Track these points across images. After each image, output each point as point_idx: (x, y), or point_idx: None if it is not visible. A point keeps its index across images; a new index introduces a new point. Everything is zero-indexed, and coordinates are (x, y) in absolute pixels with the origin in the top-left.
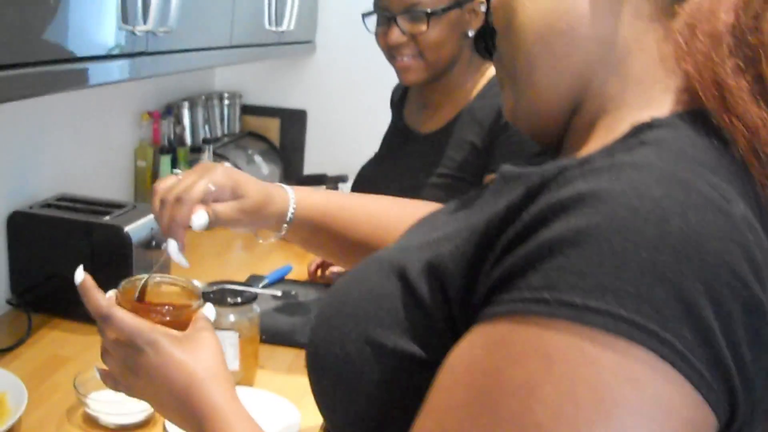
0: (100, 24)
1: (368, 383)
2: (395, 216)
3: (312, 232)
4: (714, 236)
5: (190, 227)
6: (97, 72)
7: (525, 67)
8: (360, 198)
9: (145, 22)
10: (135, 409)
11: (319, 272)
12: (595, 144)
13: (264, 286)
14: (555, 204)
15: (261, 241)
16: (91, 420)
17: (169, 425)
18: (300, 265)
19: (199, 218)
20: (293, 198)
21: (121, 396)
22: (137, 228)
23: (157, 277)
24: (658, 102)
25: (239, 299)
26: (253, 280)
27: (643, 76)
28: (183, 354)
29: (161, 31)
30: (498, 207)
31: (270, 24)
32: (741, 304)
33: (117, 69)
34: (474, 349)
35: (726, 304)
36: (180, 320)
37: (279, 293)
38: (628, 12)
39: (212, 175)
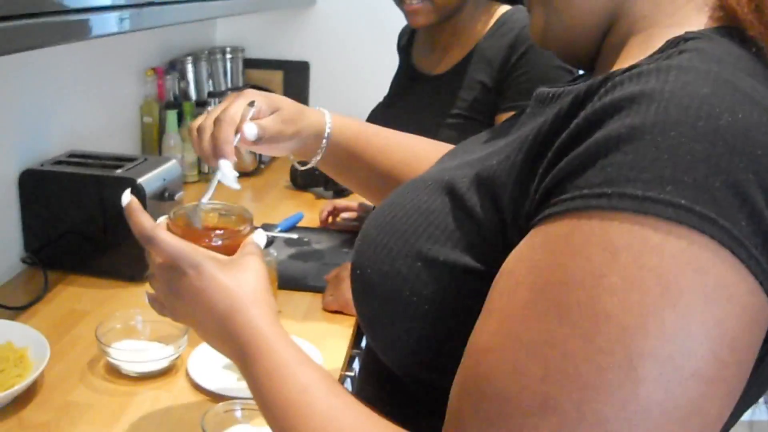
0: None
1: (421, 299)
2: (426, 148)
3: (347, 155)
4: (762, 130)
5: (236, 147)
6: (99, 23)
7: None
8: (391, 130)
9: None
10: (157, 356)
11: (330, 219)
12: (629, 61)
13: (278, 232)
14: (607, 105)
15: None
16: (113, 370)
17: (192, 370)
18: (311, 213)
19: (251, 129)
20: (329, 117)
21: (143, 344)
22: (150, 180)
23: (209, 205)
24: (691, 19)
25: None
26: (265, 228)
27: (686, 12)
28: (226, 278)
29: None
30: (547, 117)
31: None
32: None
33: (119, 20)
34: (535, 250)
35: None
36: (230, 245)
37: (294, 236)
38: None
39: (246, 96)
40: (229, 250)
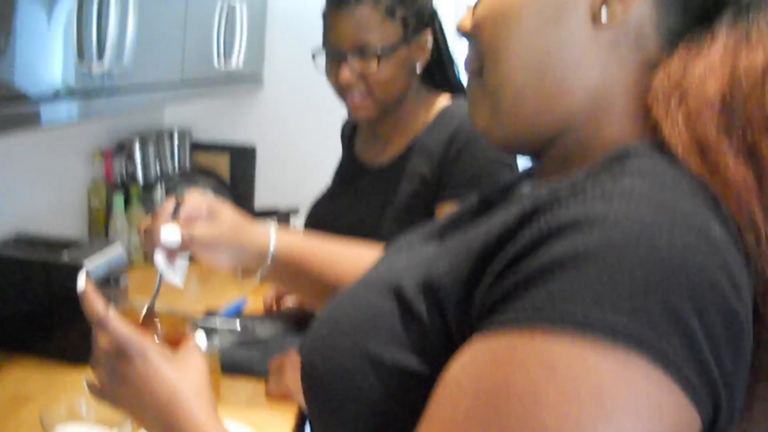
0: (53, 63)
1: (366, 398)
2: (373, 258)
3: (294, 271)
4: (698, 255)
5: (170, 247)
6: (49, 113)
7: (512, 100)
8: (337, 240)
9: (100, 58)
10: None
11: (274, 305)
12: (572, 164)
13: (221, 320)
14: (553, 227)
15: (241, 279)
16: None
17: None
18: (255, 296)
19: (169, 232)
20: (274, 235)
21: (87, 428)
22: (93, 265)
23: (156, 305)
24: (633, 131)
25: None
26: (209, 314)
27: (623, 115)
28: (170, 369)
29: (116, 70)
30: (492, 227)
31: (219, 61)
32: (722, 316)
33: (70, 109)
34: (477, 361)
35: (710, 316)
36: (171, 342)
37: (237, 327)
38: (616, 61)
39: (186, 197)
40: (170, 346)
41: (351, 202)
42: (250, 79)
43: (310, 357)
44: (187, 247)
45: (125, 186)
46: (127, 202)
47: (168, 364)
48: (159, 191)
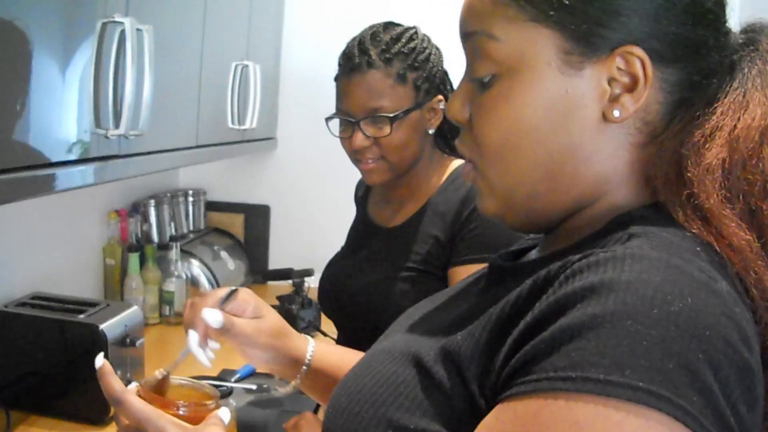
0: (69, 127)
1: None
2: None
3: (329, 382)
4: (709, 312)
5: (210, 326)
6: (65, 177)
7: (525, 198)
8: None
9: (117, 126)
10: None
11: None
12: (579, 232)
13: (236, 381)
14: (569, 294)
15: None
16: None
17: None
18: None
19: (212, 315)
20: (312, 346)
21: None
22: (111, 326)
23: (178, 379)
24: (637, 198)
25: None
26: (225, 374)
27: (629, 186)
28: None
29: (133, 134)
30: (509, 297)
31: (233, 122)
32: (735, 367)
33: (86, 173)
34: (504, 425)
35: (723, 369)
36: (194, 417)
37: (254, 387)
38: (625, 145)
39: (238, 291)
40: (193, 421)
41: (364, 263)
42: (264, 139)
43: (331, 428)
44: (224, 334)
45: (140, 245)
46: (142, 261)
47: None
48: (174, 251)
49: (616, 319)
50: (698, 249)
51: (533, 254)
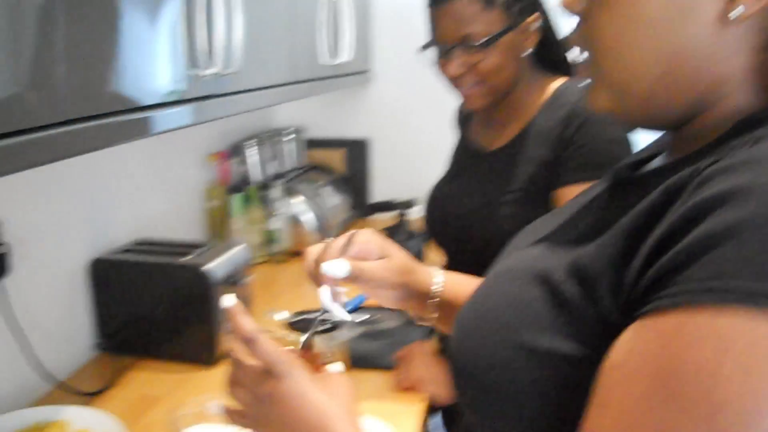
0: (162, 70)
1: (527, 388)
2: None
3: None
4: None
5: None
6: (161, 119)
7: (642, 93)
8: None
9: (211, 65)
10: None
11: None
12: (703, 137)
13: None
14: (706, 200)
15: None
16: None
17: None
18: None
19: (336, 266)
20: (440, 277)
21: (217, 429)
22: (216, 266)
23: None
24: (761, 100)
25: (324, 327)
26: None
27: (752, 87)
28: (319, 390)
29: (227, 72)
30: (639, 207)
31: (327, 57)
32: None
33: (182, 114)
34: (646, 343)
35: None
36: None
37: (363, 317)
38: (746, 47)
39: (358, 234)
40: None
41: (469, 187)
42: (359, 72)
43: (460, 353)
44: (354, 281)
45: (242, 186)
46: (244, 202)
47: (317, 384)
48: (276, 189)
49: (757, 225)
50: None
51: (656, 163)
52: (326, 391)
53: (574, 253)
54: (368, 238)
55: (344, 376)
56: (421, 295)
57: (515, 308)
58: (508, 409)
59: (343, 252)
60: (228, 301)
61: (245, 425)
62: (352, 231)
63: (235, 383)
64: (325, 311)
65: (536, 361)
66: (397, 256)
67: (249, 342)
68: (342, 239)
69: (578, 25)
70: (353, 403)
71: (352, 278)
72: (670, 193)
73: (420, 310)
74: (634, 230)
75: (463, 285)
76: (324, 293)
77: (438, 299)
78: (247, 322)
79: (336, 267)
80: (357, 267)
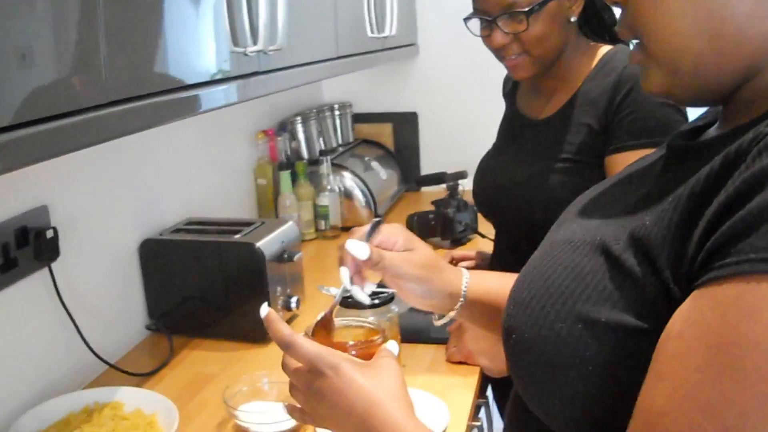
0: (207, 50)
1: (585, 360)
2: None
3: (489, 312)
4: None
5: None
6: (207, 97)
7: (691, 66)
8: None
9: (254, 42)
10: (285, 417)
11: None
12: (758, 105)
13: None
14: (764, 170)
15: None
16: None
17: (321, 430)
18: None
19: (357, 246)
20: (467, 278)
21: (271, 405)
22: (268, 243)
23: (341, 320)
24: None
25: (377, 300)
26: (382, 284)
27: None
28: (363, 378)
29: (271, 49)
30: (698, 176)
31: (372, 31)
32: None
33: (229, 92)
34: (704, 313)
35: None
36: (364, 354)
37: None
38: None
39: (385, 225)
40: (364, 358)
41: (518, 157)
42: (405, 45)
43: (514, 325)
44: (375, 267)
45: (291, 163)
46: (293, 178)
47: (361, 373)
48: (325, 165)
49: None
50: None
51: (713, 131)
52: (374, 379)
53: (633, 223)
54: (394, 230)
55: (392, 362)
56: (445, 295)
57: (574, 279)
58: (562, 382)
59: (368, 238)
60: (263, 310)
61: (308, 422)
62: (376, 219)
63: (292, 387)
64: (347, 290)
65: (595, 333)
66: (422, 250)
67: (288, 346)
68: (368, 226)
69: (622, 14)
70: (401, 388)
71: (373, 263)
72: (731, 159)
73: (444, 310)
74: (695, 199)
75: (492, 283)
76: (344, 272)
77: (463, 300)
78: (284, 328)
79: (357, 247)
80: (378, 253)
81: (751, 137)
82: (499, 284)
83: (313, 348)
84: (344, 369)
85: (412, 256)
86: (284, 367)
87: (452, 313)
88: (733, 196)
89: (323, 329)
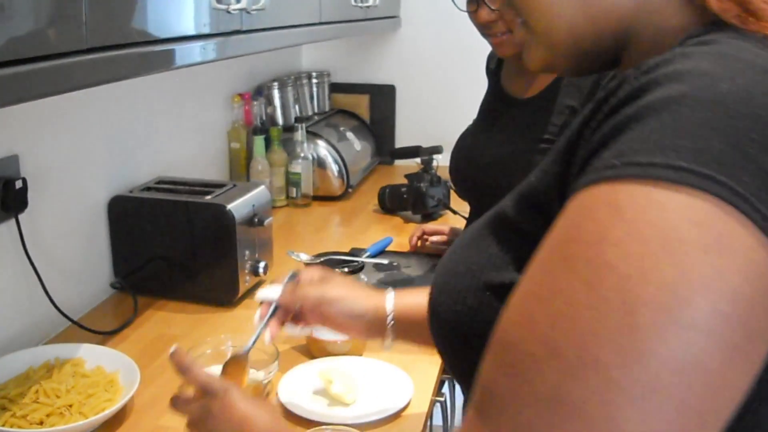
0: (188, 4)
1: (494, 326)
2: None
3: (423, 329)
4: (761, 92)
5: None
6: (185, 52)
7: (566, 34)
8: None
9: (237, 0)
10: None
11: (419, 243)
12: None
13: (367, 257)
14: (621, 99)
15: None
16: None
17: (283, 396)
18: (400, 236)
19: (268, 290)
20: (391, 297)
21: None
22: (239, 206)
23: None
24: (691, 17)
25: (347, 269)
26: (355, 252)
27: (674, 7)
28: (245, 401)
29: (254, 9)
30: (572, 123)
31: (356, 0)
32: None
33: (207, 48)
34: (557, 229)
35: None
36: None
37: (384, 261)
38: None
39: (303, 272)
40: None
41: (498, 136)
42: (387, 17)
43: (434, 308)
44: (293, 305)
45: (265, 128)
46: (267, 144)
47: (245, 399)
48: (300, 133)
49: (660, 106)
50: (760, 48)
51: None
52: (253, 404)
53: (522, 186)
54: (311, 273)
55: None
56: (371, 318)
57: (479, 252)
58: (479, 353)
59: (285, 286)
60: (172, 349)
61: None
62: (295, 272)
63: (188, 423)
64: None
65: (501, 296)
66: (337, 281)
67: (185, 372)
68: (285, 277)
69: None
70: (277, 416)
71: (291, 304)
72: (600, 102)
73: (377, 329)
74: (570, 142)
75: (418, 299)
76: (257, 313)
77: (392, 320)
78: (185, 359)
79: (268, 291)
80: (295, 294)
81: (618, 81)
82: (420, 295)
83: (205, 376)
84: (231, 393)
85: (329, 280)
86: (175, 404)
87: (389, 334)
88: (599, 131)
89: (237, 367)
